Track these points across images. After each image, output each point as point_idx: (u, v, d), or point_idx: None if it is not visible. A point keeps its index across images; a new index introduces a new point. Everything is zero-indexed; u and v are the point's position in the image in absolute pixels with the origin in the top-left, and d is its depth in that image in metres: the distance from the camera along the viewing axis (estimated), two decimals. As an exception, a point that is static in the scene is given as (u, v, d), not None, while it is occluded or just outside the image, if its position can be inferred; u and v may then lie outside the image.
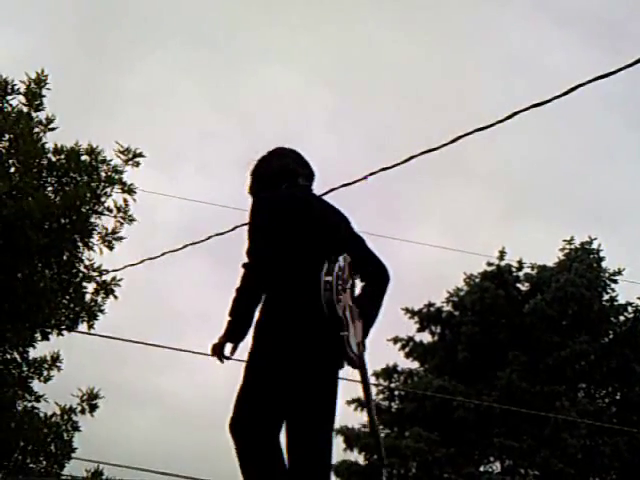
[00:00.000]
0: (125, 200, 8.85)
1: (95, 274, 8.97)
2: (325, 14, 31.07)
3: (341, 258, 3.82)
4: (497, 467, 21.41)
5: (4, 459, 8.73)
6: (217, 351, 4.13)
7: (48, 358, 9.55)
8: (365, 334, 4.14)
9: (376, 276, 4.21)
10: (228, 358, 4.16)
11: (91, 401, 9.10)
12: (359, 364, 4.07)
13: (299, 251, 3.90)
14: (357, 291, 4.11)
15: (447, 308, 23.24)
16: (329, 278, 3.72)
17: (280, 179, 4.12)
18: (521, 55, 32.43)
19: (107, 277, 9.01)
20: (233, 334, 4.07)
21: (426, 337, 23.23)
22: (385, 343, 22.77)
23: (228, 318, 4.05)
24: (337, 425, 21.41)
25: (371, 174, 8.35)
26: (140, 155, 8.86)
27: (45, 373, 9.57)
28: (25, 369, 9.43)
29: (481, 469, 21.23)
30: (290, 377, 3.91)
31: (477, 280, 22.96)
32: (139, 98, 31.20)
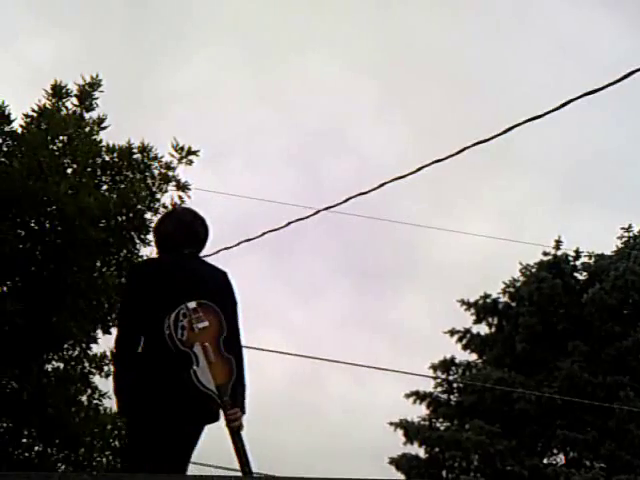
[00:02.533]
0: (180, 197, 9.03)
1: None
2: (368, 2, 31.05)
3: (191, 303, 4.36)
4: (561, 459, 21.19)
5: (70, 453, 8.94)
6: None
7: (108, 354, 9.79)
8: (234, 375, 4.47)
9: (230, 342, 4.56)
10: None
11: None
12: (219, 400, 4.34)
13: (158, 307, 4.40)
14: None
15: (504, 299, 23.09)
16: (171, 318, 4.30)
17: (166, 245, 4.72)
18: (571, 40, 32.07)
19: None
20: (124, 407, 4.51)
21: (483, 329, 23.12)
22: (442, 336, 22.74)
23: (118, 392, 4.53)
24: (396, 419, 21.46)
25: (424, 166, 8.40)
26: (194, 153, 9.00)
27: (106, 369, 9.80)
28: (87, 365, 9.67)
29: (545, 461, 21.02)
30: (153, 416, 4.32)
31: (533, 270, 22.78)
32: (186, 95, 31.50)
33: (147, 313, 4.43)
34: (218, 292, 4.58)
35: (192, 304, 4.37)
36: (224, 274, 4.69)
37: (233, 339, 4.57)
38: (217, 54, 32.46)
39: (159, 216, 6.68)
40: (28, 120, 8.62)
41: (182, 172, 9.00)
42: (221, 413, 4.34)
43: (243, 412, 4.46)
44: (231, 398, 4.36)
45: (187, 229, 4.71)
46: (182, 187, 8.98)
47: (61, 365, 9.25)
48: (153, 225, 4.95)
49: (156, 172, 8.90)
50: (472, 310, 22.91)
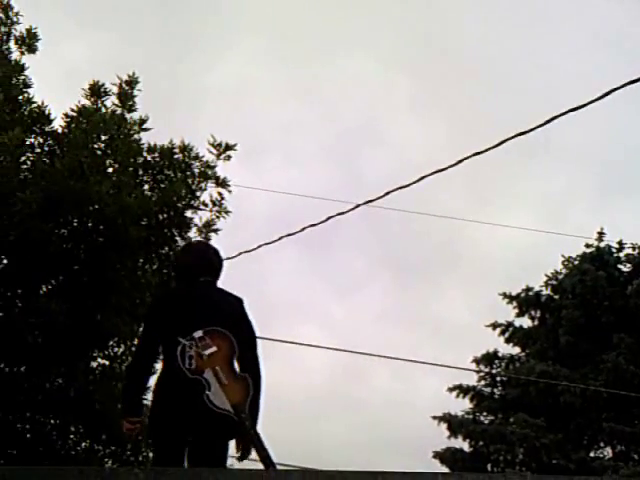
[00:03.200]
0: (220, 194, 9.06)
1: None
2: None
3: (197, 332, 4.75)
4: (608, 452, 20.97)
5: (117, 449, 9.04)
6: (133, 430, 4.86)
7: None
8: (250, 392, 4.79)
9: (246, 363, 4.92)
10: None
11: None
12: (237, 418, 4.61)
13: (174, 333, 4.81)
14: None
15: (546, 292, 22.90)
16: (177, 350, 4.72)
17: (184, 274, 5.19)
18: (610, 29, 31.68)
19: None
20: (130, 407, 4.91)
21: (526, 322, 22.96)
22: (483, 329, 22.62)
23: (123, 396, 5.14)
24: (440, 412, 21.42)
25: (464, 159, 8.36)
26: (231, 148, 9.04)
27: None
28: (130, 362, 9.77)
29: (591, 455, 20.82)
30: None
31: (576, 262, 22.57)
32: (222, 92, 31.61)
33: (164, 337, 4.88)
34: (231, 317, 4.94)
35: (198, 333, 4.76)
36: (239, 300, 5.07)
37: (249, 360, 4.91)
38: (252, 50, 32.55)
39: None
40: (68, 120, 8.70)
41: (221, 169, 9.05)
42: None
43: (255, 432, 4.65)
44: (250, 413, 4.65)
45: (202, 259, 5.13)
46: (221, 183, 9.02)
47: (106, 362, 9.36)
48: (173, 259, 5.60)
49: (196, 171, 8.95)
50: (514, 303, 22.76)
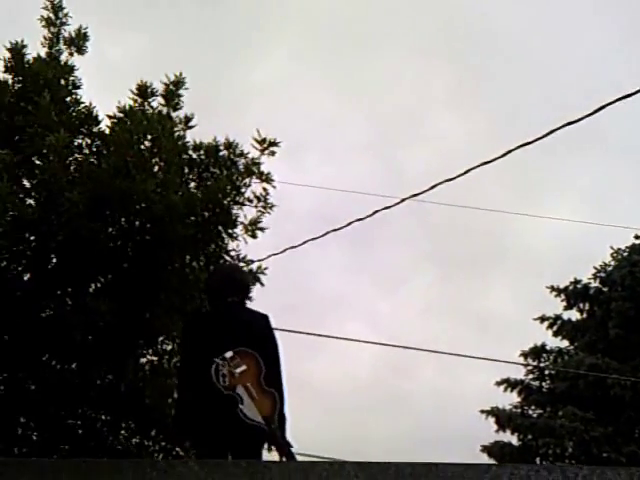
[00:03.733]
0: (264, 189, 9.10)
1: (242, 265, 9.25)
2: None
3: (228, 352, 5.20)
4: (660, 446, 20.71)
5: (167, 445, 9.12)
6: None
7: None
8: (278, 405, 5.22)
9: (271, 378, 5.34)
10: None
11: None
12: (268, 429, 4.98)
13: (207, 353, 5.28)
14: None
15: (595, 284, 22.67)
16: (212, 369, 5.17)
17: (213, 296, 5.72)
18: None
19: (252, 265, 9.30)
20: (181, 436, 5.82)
21: (574, 315, 22.77)
22: (532, 322, 22.46)
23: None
24: (485, 407, 21.34)
25: (511, 150, 8.31)
26: (275, 144, 9.07)
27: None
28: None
29: (643, 447, 20.59)
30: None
31: (625, 254, 22.31)
32: (263, 89, 31.68)
33: (199, 357, 5.33)
34: (258, 335, 5.38)
35: (229, 353, 5.22)
36: (265, 317, 5.50)
37: (274, 376, 5.32)
38: (294, 47, 32.60)
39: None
40: (114, 120, 8.79)
41: (265, 165, 9.09)
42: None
43: (284, 440, 4.98)
44: (278, 424, 5.08)
45: (229, 281, 5.65)
46: (266, 179, 9.05)
47: (155, 359, 9.45)
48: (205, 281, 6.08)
49: (241, 167, 9.00)
50: (562, 296, 22.59)
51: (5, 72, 9.03)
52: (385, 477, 3.00)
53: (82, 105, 9.02)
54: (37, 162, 8.54)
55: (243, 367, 5.19)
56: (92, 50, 9.44)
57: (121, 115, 8.77)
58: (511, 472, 3.07)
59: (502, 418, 21.01)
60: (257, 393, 5.12)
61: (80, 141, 8.86)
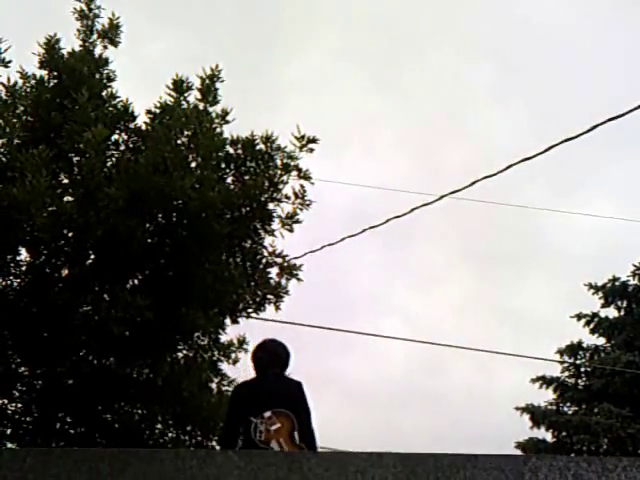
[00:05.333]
0: (302, 186, 9.09)
1: (279, 260, 9.27)
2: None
3: (267, 412, 5.94)
4: (696, 443, 20.48)
5: (203, 440, 9.19)
6: None
7: (235, 342, 10.01)
8: None
9: (304, 435, 6.01)
10: None
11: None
12: None
13: (249, 414, 6.00)
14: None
15: (633, 282, 22.45)
16: (251, 426, 5.92)
17: (257, 367, 6.36)
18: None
19: (290, 261, 9.32)
20: None
21: (611, 312, 22.56)
22: (568, 320, 22.30)
23: None
24: (520, 404, 21.22)
25: (553, 146, 8.23)
26: (314, 141, 9.05)
27: (233, 356, 10.04)
28: (215, 353, 9.91)
29: (678, 445, 20.37)
30: None
31: (664, 251, 22.08)
32: (303, 85, 31.67)
33: (242, 416, 6.01)
34: (292, 400, 6.08)
35: (267, 413, 5.95)
36: (299, 385, 6.16)
37: (305, 432, 5.96)
38: (333, 43, 32.52)
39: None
40: (151, 116, 8.82)
41: (303, 161, 9.08)
42: None
43: None
44: None
45: (271, 355, 6.33)
46: (304, 176, 9.05)
47: (191, 354, 9.51)
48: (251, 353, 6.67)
49: (278, 162, 8.98)
50: (600, 294, 22.40)
51: (40, 68, 9.07)
52: (424, 468, 3.00)
53: (118, 100, 9.05)
54: (75, 158, 8.60)
55: (278, 425, 5.97)
56: (128, 45, 9.45)
57: (158, 111, 8.79)
58: (550, 463, 3.05)
59: (537, 415, 20.91)
60: (288, 446, 5.81)
61: (117, 137, 8.90)
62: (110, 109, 8.91)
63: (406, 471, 3.01)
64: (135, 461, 3.01)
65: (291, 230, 9.08)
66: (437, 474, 3.00)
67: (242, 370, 9.89)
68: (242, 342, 10.01)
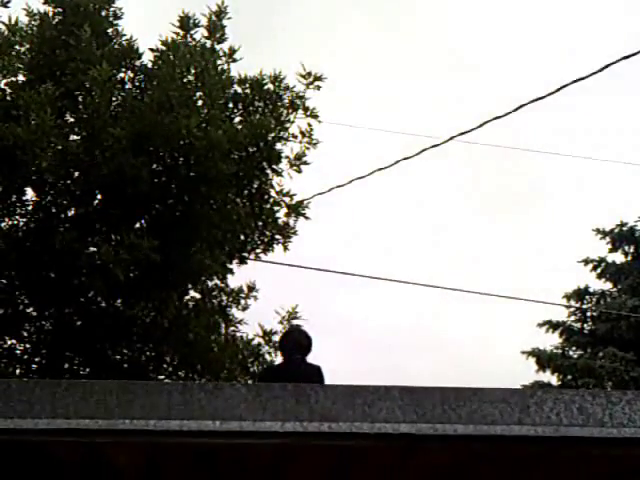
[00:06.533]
0: (309, 125, 9.03)
1: (286, 199, 9.24)
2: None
3: None
4: (700, 387, 20.64)
5: (212, 379, 9.25)
6: None
7: (245, 288, 10.03)
8: None
9: None
10: None
11: (292, 320, 9.49)
12: None
13: None
14: None
15: (641, 227, 22.42)
16: None
17: (283, 353, 6.88)
18: None
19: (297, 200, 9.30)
20: None
21: (619, 257, 22.55)
22: (575, 265, 22.31)
23: None
24: (529, 347, 21.38)
25: (564, 86, 8.12)
26: (320, 78, 8.97)
27: (242, 302, 10.06)
28: (224, 298, 9.94)
29: (682, 388, 20.53)
30: None
31: (671, 195, 21.99)
32: (311, 24, 31.19)
33: None
34: (313, 382, 6.18)
35: None
36: (318, 368, 6.62)
37: None
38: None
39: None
40: (157, 54, 8.69)
41: (310, 100, 9.00)
42: None
43: None
44: None
45: (294, 343, 6.80)
46: (311, 114, 8.97)
47: (199, 296, 9.53)
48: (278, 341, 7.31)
49: (286, 101, 8.89)
50: (607, 239, 22.37)
51: (45, 4, 8.96)
52: (431, 401, 3.02)
53: (124, 38, 8.94)
54: (80, 97, 8.53)
55: None
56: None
57: (164, 48, 8.64)
58: (556, 397, 3.06)
59: (543, 359, 21.04)
60: None
61: (122, 75, 8.81)
62: (116, 47, 8.81)
63: (413, 404, 3.03)
64: (143, 393, 3.03)
65: (299, 171, 9.04)
66: (443, 407, 3.02)
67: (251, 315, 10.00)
68: (252, 289, 10.02)
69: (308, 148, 9.02)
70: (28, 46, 8.72)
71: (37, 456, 3.48)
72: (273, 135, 8.75)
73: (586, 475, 3.68)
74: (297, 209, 9.20)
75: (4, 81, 8.52)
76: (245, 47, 9.05)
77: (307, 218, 9.30)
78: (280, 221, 9.26)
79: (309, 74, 8.91)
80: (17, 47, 8.65)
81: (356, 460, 3.51)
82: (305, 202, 9.31)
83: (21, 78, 8.57)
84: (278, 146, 8.90)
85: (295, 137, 8.97)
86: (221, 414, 2.98)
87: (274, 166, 8.95)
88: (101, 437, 3.03)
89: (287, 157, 9.00)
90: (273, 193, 9.17)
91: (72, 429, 2.98)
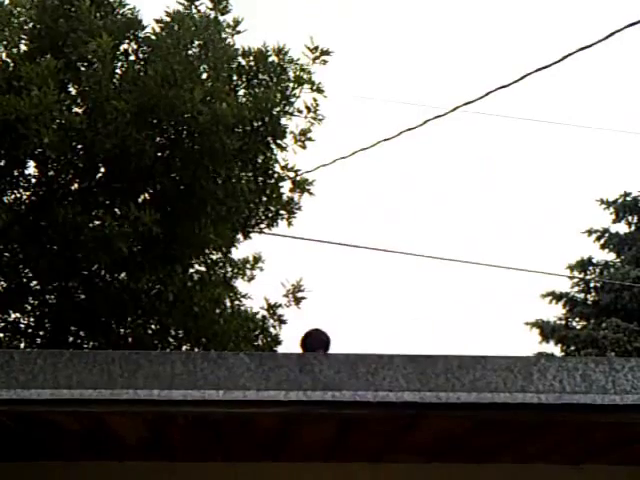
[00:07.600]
0: (315, 100, 8.96)
1: (291, 174, 9.22)
2: None
3: None
4: (703, 356, 20.68)
5: (219, 350, 9.28)
6: None
7: (250, 259, 10.04)
8: None
9: None
10: None
11: (296, 293, 9.51)
12: None
13: None
14: None
15: (645, 197, 22.39)
16: None
17: (305, 350, 7.14)
18: None
19: (302, 175, 9.28)
20: None
21: (622, 228, 22.53)
22: (579, 235, 22.29)
23: None
24: (532, 319, 21.43)
25: (569, 54, 8.07)
26: (327, 53, 8.89)
27: (248, 273, 10.07)
28: (229, 270, 9.95)
29: (686, 359, 20.55)
30: None
31: (676, 166, 21.94)
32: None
33: None
34: None
35: None
36: None
37: None
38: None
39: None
40: (161, 26, 8.59)
41: (315, 75, 8.93)
42: None
43: None
44: None
45: (316, 339, 7.18)
46: (317, 89, 8.90)
47: (204, 269, 9.53)
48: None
49: (291, 75, 8.82)
50: (611, 209, 22.34)
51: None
52: (434, 369, 3.02)
53: (126, 8, 8.84)
54: (82, 69, 8.47)
55: None
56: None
57: (168, 20, 8.54)
58: (559, 364, 3.07)
59: (546, 330, 21.09)
60: None
61: (125, 47, 8.73)
62: (118, 17, 8.72)
63: (416, 372, 3.03)
64: (146, 363, 3.02)
65: (304, 147, 8.99)
66: (447, 375, 3.02)
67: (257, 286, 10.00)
68: (257, 259, 10.03)
69: (313, 124, 8.97)
70: (29, 16, 8.64)
71: (40, 426, 3.50)
72: (278, 109, 8.67)
73: (589, 442, 3.69)
74: (302, 186, 9.19)
75: (5, 52, 8.46)
76: (250, 19, 8.98)
77: (311, 194, 9.30)
78: (284, 196, 9.24)
79: (316, 48, 8.82)
80: (19, 17, 8.57)
81: (360, 429, 3.52)
82: (310, 180, 9.30)
83: (23, 48, 8.50)
84: (283, 121, 8.82)
85: (300, 112, 8.91)
86: (224, 383, 2.98)
87: (279, 141, 8.88)
88: (104, 407, 3.03)
89: (292, 132, 8.94)
90: (278, 168, 9.14)
91: (75, 399, 2.98)
